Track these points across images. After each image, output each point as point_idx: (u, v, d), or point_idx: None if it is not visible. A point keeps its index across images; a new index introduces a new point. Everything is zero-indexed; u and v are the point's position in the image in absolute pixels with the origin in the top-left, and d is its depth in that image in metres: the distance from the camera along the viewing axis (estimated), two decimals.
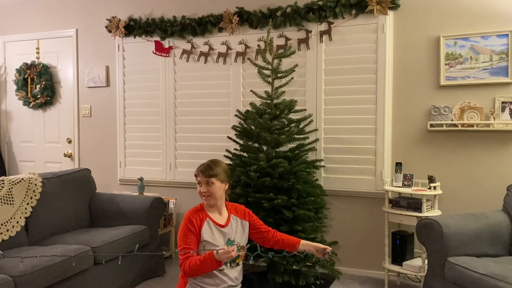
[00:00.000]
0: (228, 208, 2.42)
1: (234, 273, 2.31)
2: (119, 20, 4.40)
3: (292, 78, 3.57)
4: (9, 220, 3.04)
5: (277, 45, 3.78)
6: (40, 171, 3.86)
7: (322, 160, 3.69)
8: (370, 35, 3.59)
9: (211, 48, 4.10)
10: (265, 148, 3.42)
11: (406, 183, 3.34)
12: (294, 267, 3.29)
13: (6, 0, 4.92)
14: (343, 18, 3.65)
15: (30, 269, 2.54)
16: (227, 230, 2.32)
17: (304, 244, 2.36)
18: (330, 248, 2.30)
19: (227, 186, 2.38)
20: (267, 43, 3.43)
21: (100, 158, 4.64)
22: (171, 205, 4.18)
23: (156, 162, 4.37)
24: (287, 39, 3.82)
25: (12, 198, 3.12)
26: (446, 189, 3.37)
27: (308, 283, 3.22)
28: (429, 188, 3.21)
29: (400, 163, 3.39)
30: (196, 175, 2.35)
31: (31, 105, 4.87)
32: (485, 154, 3.34)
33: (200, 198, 2.33)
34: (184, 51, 4.20)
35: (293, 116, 3.54)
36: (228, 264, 2.27)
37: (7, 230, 3.01)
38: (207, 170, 2.31)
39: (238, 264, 2.33)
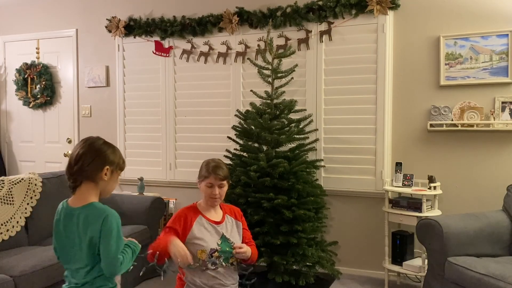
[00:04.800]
0: (223, 208, 2.37)
1: (230, 273, 2.29)
2: (119, 20, 4.40)
3: (292, 78, 3.57)
4: (9, 220, 3.04)
5: (277, 45, 3.78)
6: (40, 171, 3.86)
7: (322, 160, 3.69)
8: (370, 35, 3.59)
9: (211, 48, 4.10)
10: (265, 148, 3.42)
11: (406, 183, 3.34)
12: (294, 267, 3.29)
13: (6, 0, 4.92)
14: (343, 18, 3.65)
15: (30, 269, 2.54)
16: (222, 227, 2.28)
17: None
18: (240, 250, 2.21)
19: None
20: (267, 43, 3.43)
21: None
22: (171, 205, 4.18)
23: (156, 162, 4.37)
24: (287, 39, 3.82)
25: (12, 198, 3.12)
26: (446, 189, 3.37)
27: (308, 283, 3.22)
28: (429, 188, 3.21)
29: (400, 163, 3.39)
30: (206, 177, 2.25)
31: (31, 105, 4.87)
32: (485, 154, 3.34)
33: (206, 199, 2.28)
34: (184, 51, 4.20)
35: (293, 116, 3.53)
36: (223, 264, 2.25)
37: (7, 230, 3.00)
38: (221, 172, 2.24)
39: (232, 264, 2.31)
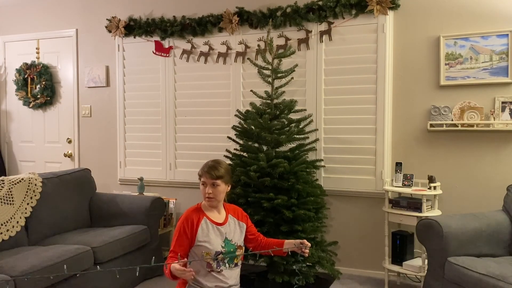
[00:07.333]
0: (226, 208, 2.41)
1: (233, 274, 2.30)
2: (119, 20, 4.40)
3: (292, 78, 3.57)
4: (9, 220, 3.05)
5: (277, 45, 3.78)
6: (40, 171, 3.86)
7: (322, 160, 3.69)
8: (370, 35, 3.59)
9: (211, 48, 4.10)
10: (265, 148, 3.42)
11: (406, 183, 3.34)
12: (294, 267, 3.29)
13: (6, 0, 4.92)
14: (343, 18, 3.65)
15: (30, 269, 2.54)
16: (225, 229, 2.31)
17: (287, 243, 2.34)
18: (308, 243, 2.26)
19: (229, 188, 2.36)
20: (267, 43, 3.43)
21: (100, 158, 4.64)
22: (171, 205, 4.18)
23: (156, 162, 4.37)
24: (287, 39, 3.82)
25: (12, 198, 3.12)
26: (446, 189, 3.37)
27: (308, 283, 3.22)
28: (429, 188, 3.21)
29: (400, 163, 3.39)
30: (200, 175, 2.31)
31: (31, 105, 4.87)
32: (485, 154, 3.34)
33: (203, 198, 2.32)
34: (184, 51, 4.20)
35: (293, 116, 3.54)
36: (227, 265, 2.27)
37: (7, 230, 3.01)
38: (214, 172, 2.26)
39: (236, 265, 2.33)
